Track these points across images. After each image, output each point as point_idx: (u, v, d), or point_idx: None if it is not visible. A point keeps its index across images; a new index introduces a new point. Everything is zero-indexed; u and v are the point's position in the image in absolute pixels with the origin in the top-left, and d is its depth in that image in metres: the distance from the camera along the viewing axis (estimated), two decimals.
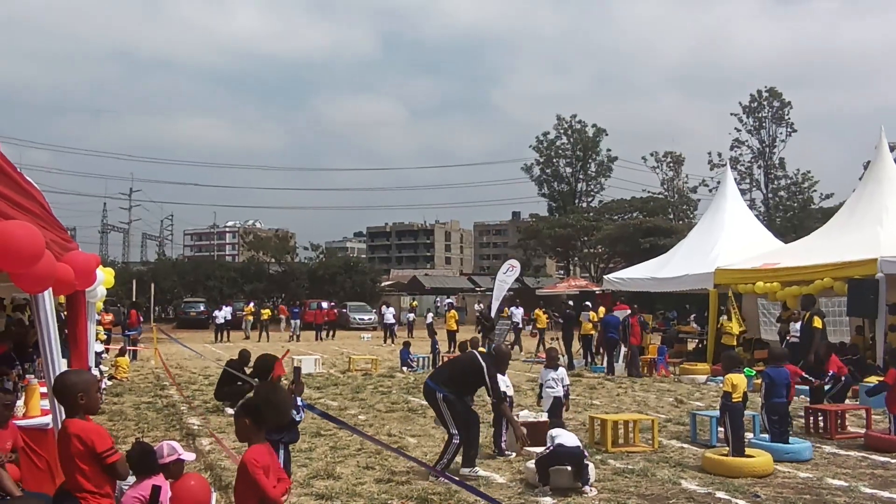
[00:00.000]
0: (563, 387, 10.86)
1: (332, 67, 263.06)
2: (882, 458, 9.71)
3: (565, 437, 8.38)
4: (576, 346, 24.09)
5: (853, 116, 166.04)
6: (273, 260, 58.68)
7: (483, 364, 8.94)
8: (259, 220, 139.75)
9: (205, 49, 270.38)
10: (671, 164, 69.39)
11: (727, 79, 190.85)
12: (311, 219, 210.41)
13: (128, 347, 23.67)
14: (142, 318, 28.80)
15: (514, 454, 9.89)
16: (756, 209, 59.18)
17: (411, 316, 41.25)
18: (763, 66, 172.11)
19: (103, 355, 20.86)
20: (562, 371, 11.03)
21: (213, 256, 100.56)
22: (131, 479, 5.87)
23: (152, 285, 40.24)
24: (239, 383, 13.44)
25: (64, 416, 4.62)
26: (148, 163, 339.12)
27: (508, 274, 29.90)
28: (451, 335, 28.73)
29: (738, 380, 9.30)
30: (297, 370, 6.55)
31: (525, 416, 10.76)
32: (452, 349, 27.16)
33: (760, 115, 64.68)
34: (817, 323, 13.35)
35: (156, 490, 5.22)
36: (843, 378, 13.79)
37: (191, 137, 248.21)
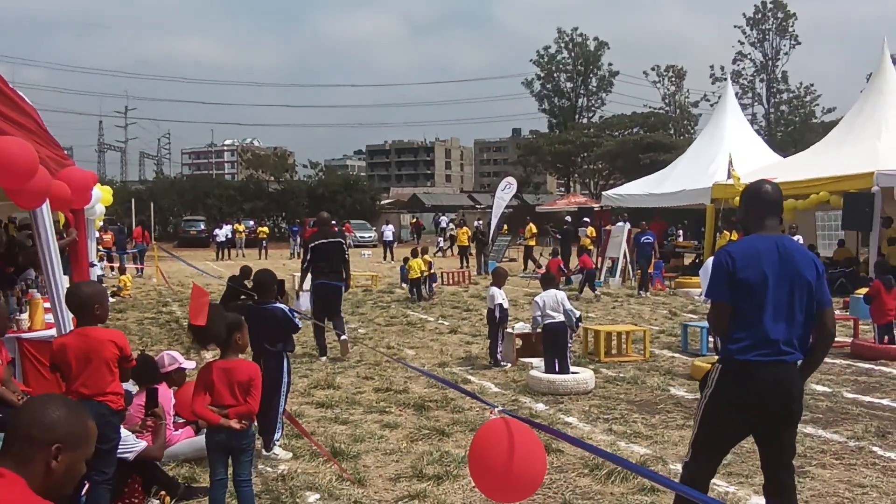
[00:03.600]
0: (565, 311, 9.64)
1: None
2: (866, 366, 9.99)
3: (549, 304, 9.10)
4: (573, 261, 24.34)
5: (859, 26, 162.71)
6: (272, 178, 58.59)
7: (340, 240, 11.04)
8: (257, 138, 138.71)
9: None
10: (673, 79, 68.51)
11: None
12: (309, 137, 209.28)
13: (128, 266, 23.94)
14: (147, 235, 29.02)
15: (509, 365, 10.16)
16: (757, 124, 58.76)
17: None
18: None
19: (102, 272, 21.10)
20: (561, 295, 9.75)
21: (211, 175, 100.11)
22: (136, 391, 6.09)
23: (151, 204, 40.26)
24: (242, 297, 13.65)
25: (77, 326, 4.75)
26: (143, 80, 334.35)
27: (506, 191, 29.90)
28: (463, 250, 28.97)
29: None
30: (281, 282, 6.72)
31: (520, 328, 10.99)
32: (466, 265, 27.44)
33: (764, 27, 63.53)
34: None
35: (152, 392, 5.43)
36: (585, 271, 18.40)
37: (186, 54, 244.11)
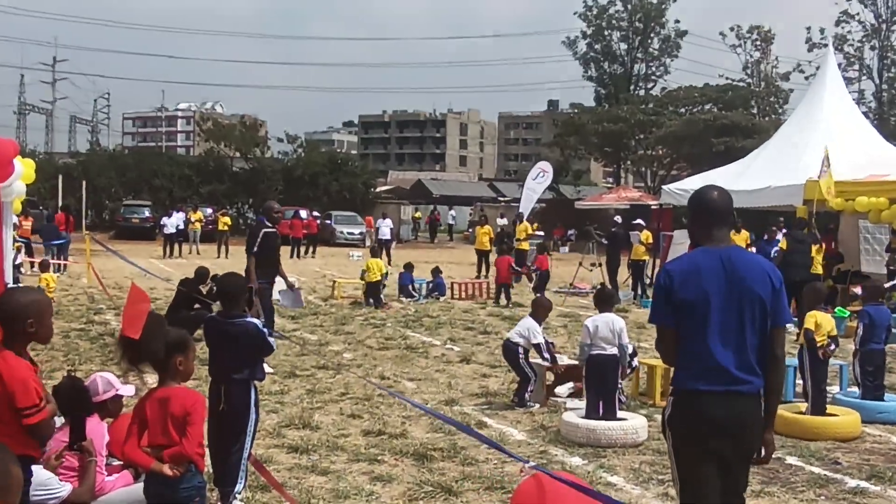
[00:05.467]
0: (620, 344, 9.31)
1: None
2: None
3: (601, 332, 9.12)
4: (623, 274, 24.34)
5: None
6: (238, 154, 58.68)
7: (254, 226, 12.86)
8: (220, 102, 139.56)
9: None
10: (757, 43, 68.32)
11: None
12: (287, 102, 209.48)
13: (53, 261, 24.07)
14: (72, 222, 29.34)
15: (537, 405, 10.18)
16: (865, 104, 58.62)
17: None
18: None
19: (22, 269, 21.23)
20: (620, 323, 9.45)
21: (160, 148, 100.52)
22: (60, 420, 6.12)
23: (83, 183, 40.40)
24: (196, 307, 13.74)
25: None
26: (77, 24, 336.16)
27: (539, 180, 29.95)
28: (483, 256, 28.85)
29: (823, 319, 9.46)
30: (250, 290, 6.78)
31: (561, 358, 11.00)
32: (485, 273, 27.46)
33: None
34: (783, 245, 17.82)
35: (77, 420, 5.42)
36: (539, 272, 22.26)
37: None
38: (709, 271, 4.47)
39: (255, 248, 12.62)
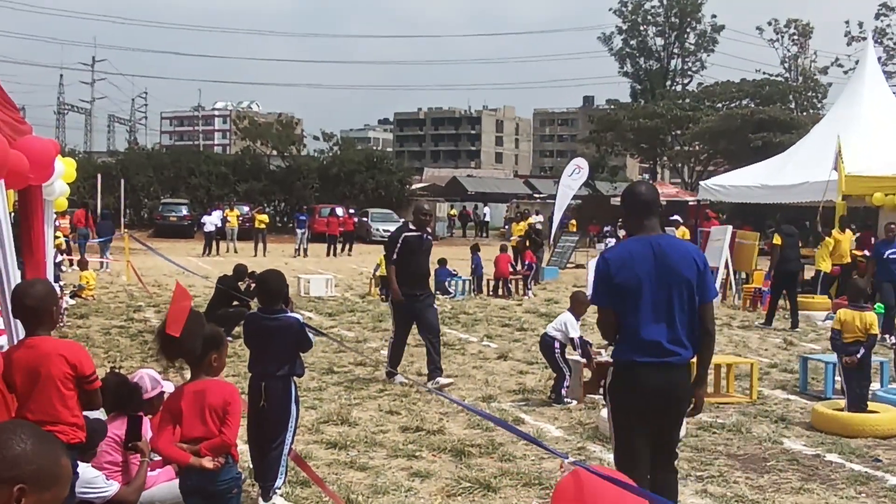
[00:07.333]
0: None
1: None
2: None
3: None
4: None
5: None
6: (274, 152, 59.02)
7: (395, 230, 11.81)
8: (256, 101, 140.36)
9: None
10: (795, 37, 67.70)
11: None
12: (323, 100, 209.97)
13: (106, 259, 24.45)
14: (91, 220, 29.79)
15: (574, 402, 10.18)
16: None
17: None
18: None
19: (63, 267, 21.52)
20: None
21: (197, 146, 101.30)
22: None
23: (122, 182, 40.83)
24: (235, 304, 13.86)
25: (24, 335, 4.83)
26: (115, 24, 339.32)
27: (574, 177, 29.86)
28: (519, 253, 28.89)
29: (852, 317, 9.39)
30: (287, 287, 6.87)
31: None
32: (523, 269, 27.51)
33: None
34: (777, 240, 17.47)
35: (134, 421, 5.52)
36: (532, 265, 23.85)
37: None
38: (640, 257, 5.07)
39: (395, 256, 11.14)
